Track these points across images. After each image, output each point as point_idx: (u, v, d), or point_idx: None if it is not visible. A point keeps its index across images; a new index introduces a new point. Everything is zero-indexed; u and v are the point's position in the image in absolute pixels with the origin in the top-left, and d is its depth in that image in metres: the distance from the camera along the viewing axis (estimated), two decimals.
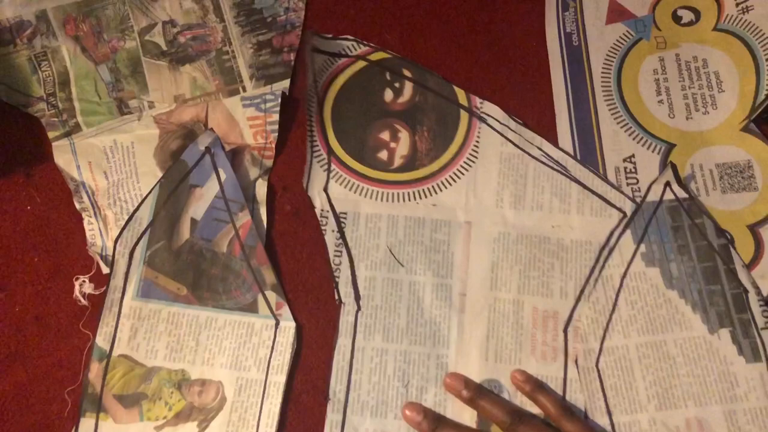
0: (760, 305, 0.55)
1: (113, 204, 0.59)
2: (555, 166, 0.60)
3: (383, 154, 0.61)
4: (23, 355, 0.56)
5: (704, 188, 0.58)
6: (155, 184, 0.59)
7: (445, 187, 0.60)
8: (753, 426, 0.52)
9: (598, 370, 0.54)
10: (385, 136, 0.61)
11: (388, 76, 0.63)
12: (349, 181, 0.60)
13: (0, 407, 0.55)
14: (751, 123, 0.60)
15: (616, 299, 0.56)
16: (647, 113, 0.61)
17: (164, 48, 0.64)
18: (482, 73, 0.63)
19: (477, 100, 0.62)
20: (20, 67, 0.63)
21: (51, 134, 0.62)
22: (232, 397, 0.54)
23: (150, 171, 0.60)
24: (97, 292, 0.57)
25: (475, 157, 0.60)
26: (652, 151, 0.60)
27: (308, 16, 0.65)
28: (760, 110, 0.59)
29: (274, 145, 0.61)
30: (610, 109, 0.61)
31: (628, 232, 0.57)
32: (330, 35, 0.64)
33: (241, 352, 0.55)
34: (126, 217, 0.58)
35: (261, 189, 0.60)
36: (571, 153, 0.60)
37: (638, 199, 0.58)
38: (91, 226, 0.59)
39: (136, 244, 0.57)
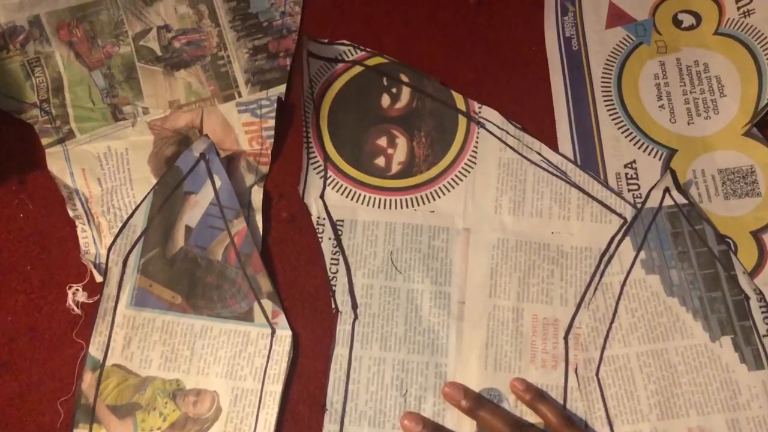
0: (762, 312, 0.54)
1: (107, 211, 0.59)
2: (555, 172, 0.59)
3: (380, 161, 0.60)
4: (15, 365, 0.55)
5: (706, 194, 0.58)
6: (149, 191, 0.58)
7: (444, 194, 0.59)
8: None
9: (599, 380, 0.54)
10: (383, 142, 0.61)
11: (385, 82, 0.62)
12: (345, 188, 0.59)
13: None
14: (753, 128, 0.59)
15: (616, 307, 0.55)
16: (648, 118, 0.60)
17: (159, 53, 0.63)
18: (481, 78, 0.63)
19: (475, 105, 0.61)
20: (13, 72, 0.63)
21: (44, 141, 0.61)
22: (227, 407, 0.53)
23: (144, 178, 0.59)
24: (91, 301, 0.56)
25: (474, 163, 0.60)
26: (654, 157, 0.59)
27: (304, 21, 0.65)
28: (762, 114, 0.59)
29: (269, 152, 0.60)
30: (610, 114, 0.61)
31: (628, 239, 0.57)
32: (326, 40, 0.64)
33: (236, 361, 0.54)
34: (120, 225, 0.58)
35: (257, 196, 0.59)
36: (571, 158, 0.59)
37: (639, 205, 0.58)
38: (84, 234, 0.58)
39: (130, 251, 0.57)
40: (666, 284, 0.56)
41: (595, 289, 0.56)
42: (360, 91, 0.62)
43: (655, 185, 0.58)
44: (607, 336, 0.55)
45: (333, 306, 0.56)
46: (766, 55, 0.60)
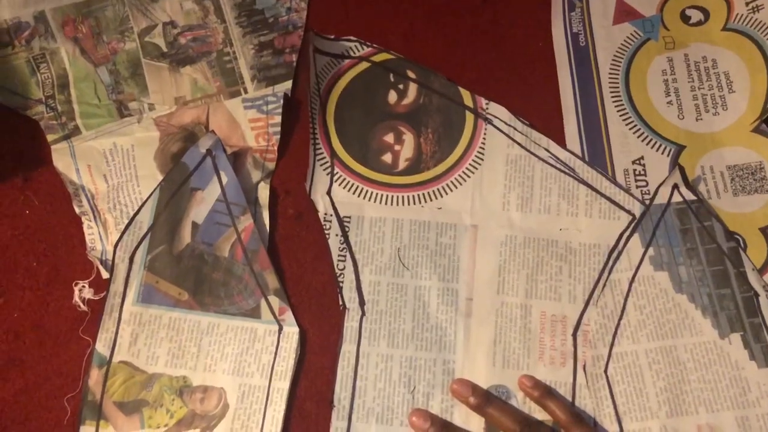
0: None
1: (113, 208, 0.58)
2: (562, 168, 0.59)
3: (387, 157, 0.60)
4: (22, 362, 0.55)
5: (715, 190, 0.58)
6: (156, 188, 0.58)
7: (451, 190, 0.59)
8: None
9: (607, 377, 0.54)
10: (390, 138, 0.60)
11: (391, 78, 0.62)
12: (352, 185, 0.59)
13: None
14: (762, 124, 0.59)
15: (625, 304, 0.55)
16: (656, 114, 0.60)
17: (164, 49, 0.63)
18: (488, 74, 0.62)
19: (483, 101, 0.61)
20: (18, 69, 0.62)
21: (50, 137, 0.61)
22: (234, 404, 0.53)
23: (150, 174, 0.59)
24: (97, 298, 0.56)
25: (481, 159, 0.59)
26: (662, 153, 0.59)
27: (310, 17, 0.64)
28: None
29: (276, 148, 0.60)
30: (618, 110, 0.60)
31: (636, 235, 0.57)
32: (332, 36, 0.63)
33: (243, 358, 0.54)
34: (126, 221, 0.57)
35: (263, 192, 0.59)
36: (579, 154, 0.59)
37: (648, 202, 0.57)
38: (90, 231, 0.58)
39: (137, 248, 0.57)
40: (675, 281, 0.55)
41: (604, 285, 0.56)
42: (367, 87, 0.62)
43: (664, 182, 0.58)
44: (615, 333, 0.55)
45: (340, 302, 0.56)
46: None
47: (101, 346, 0.55)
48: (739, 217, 0.57)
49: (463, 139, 0.60)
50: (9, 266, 0.57)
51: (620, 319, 0.55)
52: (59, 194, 0.59)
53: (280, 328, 0.55)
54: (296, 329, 0.55)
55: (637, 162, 0.59)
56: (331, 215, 0.58)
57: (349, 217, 0.58)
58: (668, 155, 0.59)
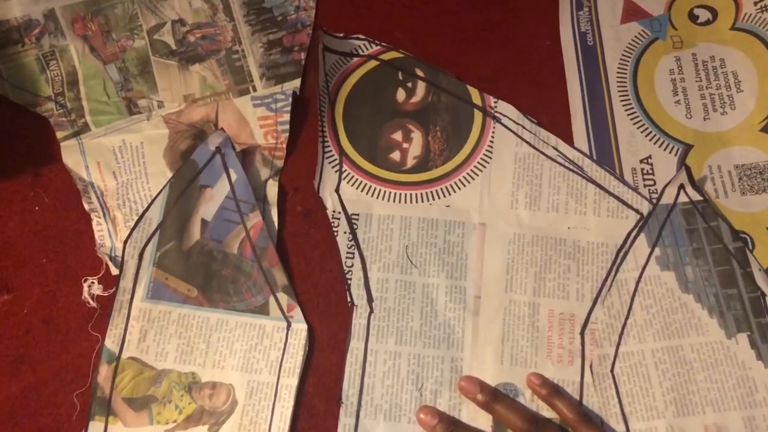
0: None
1: (122, 205, 0.59)
2: (571, 167, 0.59)
3: (396, 155, 0.60)
4: (31, 358, 0.55)
5: (723, 190, 0.58)
6: (165, 185, 0.58)
7: (459, 188, 0.59)
8: None
9: (614, 376, 0.54)
10: (398, 136, 0.61)
11: (400, 76, 0.62)
12: (361, 182, 0.59)
13: (8, 410, 0.54)
14: None
15: (631, 304, 0.55)
16: (664, 114, 0.60)
17: (173, 47, 0.63)
18: (496, 73, 0.62)
19: (491, 100, 0.61)
20: (28, 66, 0.63)
21: (59, 134, 0.61)
22: (243, 400, 0.53)
23: (159, 171, 0.59)
24: (106, 294, 0.56)
25: (490, 158, 0.60)
26: (669, 152, 0.59)
27: (319, 15, 0.64)
28: None
29: (285, 146, 0.60)
30: (626, 110, 0.60)
31: (642, 235, 0.57)
32: (341, 34, 0.63)
33: (252, 354, 0.54)
34: (135, 218, 0.58)
35: (272, 189, 0.59)
36: (587, 153, 0.59)
37: (655, 202, 0.57)
38: (99, 227, 0.58)
39: (146, 245, 0.57)
40: (681, 281, 0.55)
41: (610, 285, 0.56)
42: (375, 85, 0.62)
43: (670, 182, 0.58)
44: (621, 332, 0.55)
45: (348, 300, 0.56)
46: None
47: (110, 342, 0.55)
48: (746, 216, 0.57)
49: (472, 137, 0.60)
50: (19, 262, 0.58)
51: (627, 318, 0.55)
52: (69, 191, 0.60)
53: (289, 325, 0.55)
54: (305, 326, 0.55)
55: (645, 161, 0.59)
56: (340, 213, 0.58)
57: (358, 215, 0.58)
58: (676, 154, 0.59)
